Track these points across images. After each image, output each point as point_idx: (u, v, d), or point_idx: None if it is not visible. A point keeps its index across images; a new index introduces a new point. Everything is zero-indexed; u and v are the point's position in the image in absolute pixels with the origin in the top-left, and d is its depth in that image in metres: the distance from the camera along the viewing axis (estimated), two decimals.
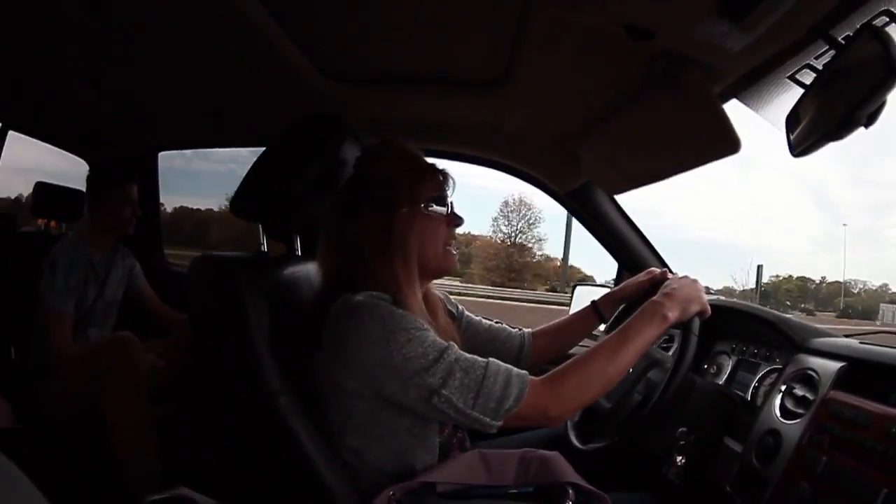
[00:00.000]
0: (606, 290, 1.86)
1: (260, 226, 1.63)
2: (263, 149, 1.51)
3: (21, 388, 2.39)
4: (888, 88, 0.95)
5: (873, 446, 1.13)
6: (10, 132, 2.99)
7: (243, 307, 1.22)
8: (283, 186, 1.41)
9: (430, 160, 1.39)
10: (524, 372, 1.18)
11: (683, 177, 1.65)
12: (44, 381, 2.40)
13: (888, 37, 0.94)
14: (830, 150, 1.09)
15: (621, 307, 1.77)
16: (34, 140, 3.04)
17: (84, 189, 2.81)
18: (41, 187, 2.95)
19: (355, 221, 1.28)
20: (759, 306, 1.95)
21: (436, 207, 1.32)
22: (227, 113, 2.37)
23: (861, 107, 1.00)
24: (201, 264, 1.33)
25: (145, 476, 2.17)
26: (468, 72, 1.80)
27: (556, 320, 1.81)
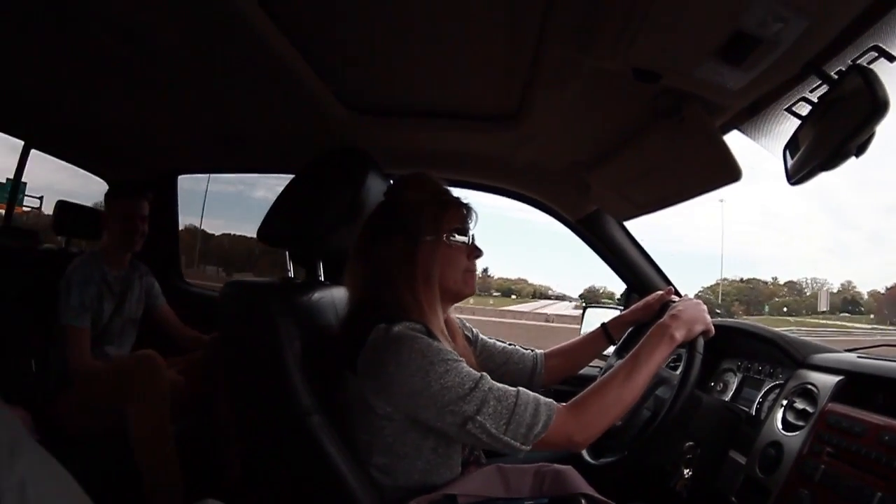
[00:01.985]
0: (614, 311, 1.93)
1: (287, 252, 1.68)
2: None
3: (41, 402, 2.40)
4: (874, 123, 1.04)
5: (868, 453, 1.19)
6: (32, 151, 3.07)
7: (275, 330, 1.29)
8: (311, 215, 1.48)
9: (454, 192, 1.46)
10: (551, 400, 1.25)
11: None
12: (63, 395, 2.42)
13: (873, 75, 1.03)
14: None
15: (630, 329, 1.82)
16: (45, 157, 3.11)
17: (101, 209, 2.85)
18: (62, 205, 2.96)
19: (382, 246, 1.35)
20: (763, 325, 2.01)
21: (457, 237, 1.40)
22: (248, 139, 2.42)
23: (851, 139, 1.09)
24: (233, 289, 1.40)
25: (168, 491, 2.19)
26: (483, 106, 1.86)
27: (568, 342, 1.86)
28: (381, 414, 1.24)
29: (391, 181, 1.52)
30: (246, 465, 1.38)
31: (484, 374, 1.23)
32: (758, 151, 1.52)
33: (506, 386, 1.23)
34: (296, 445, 1.27)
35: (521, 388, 1.24)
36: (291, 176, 1.58)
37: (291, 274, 1.70)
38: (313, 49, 1.56)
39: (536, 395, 1.25)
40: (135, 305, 2.81)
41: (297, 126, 2.12)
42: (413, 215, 1.36)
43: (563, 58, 1.40)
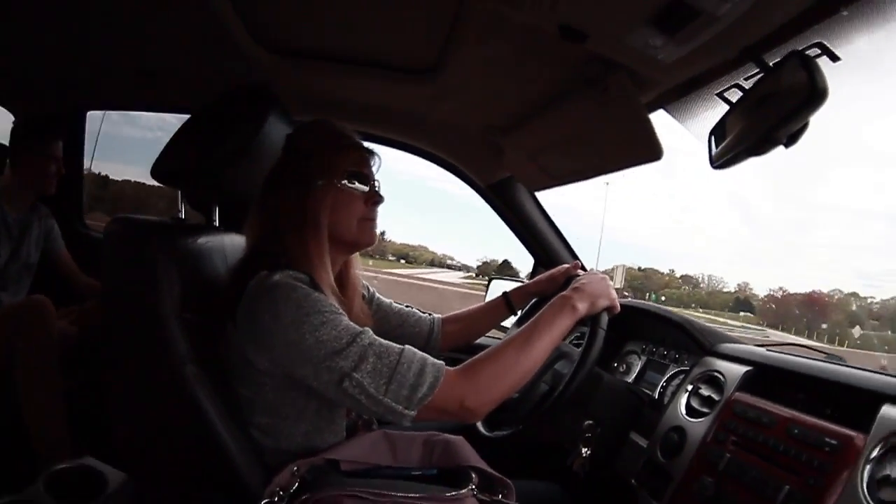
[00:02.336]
0: (518, 284, 1.89)
1: (179, 193, 1.57)
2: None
3: None
4: (809, 112, 1.01)
5: (776, 445, 1.20)
6: None
7: (154, 271, 1.21)
8: (204, 153, 1.39)
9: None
10: (441, 362, 1.17)
11: (610, 176, 1.69)
12: None
13: (815, 64, 0.99)
14: (754, 167, 1.15)
15: (533, 301, 1.78)
16: None
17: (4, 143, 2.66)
18: None
19: (276, 194, 1.28)
20: (670, 309, 2.03)
21: (355, 184, 1.31)
22: (161, 76, 2.29)
23: (782, 126, 1.06)
24: (117, 225, 1.29)
25: (53, 444, 2.11)
26: (402, 57, 1.79)
27: (467, 308, 1.81)
28: (260, 369, 1.16)
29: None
30: (126, 420, 1.27)
31: (366, 328, 1.15)
32: (676, 150, 1.49)
33: (390, 343, 1.15)
34: (170, 397, 1.19)
35: (406, 346, 1.16)
36: None
37: (182, 216, 1.58)
38: None
39: (425, 355, 1.17)
40: (33, 249, 2.66)
41: (210, 64, 2.00)
42: (305, 162, 1.28)
43: (488, 10, 1.32)
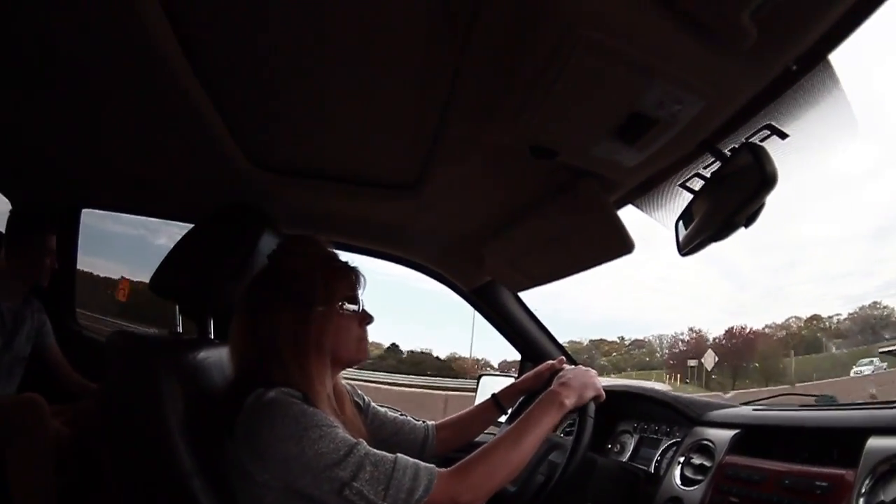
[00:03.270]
0: (509, 380, 1.95)
1: (177, 306, 1.62)
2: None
3: None
4: (762, 196, 1.13)
5: (770, 499, 1.26)
6: None
7: (159, 389, 1.26)
8: (203, 269, 1.47)
9: (343, 256, 1.47)
10: (433, 465, 1.24)
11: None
12: None
13: (763, 151, 1.12)
14: None
15: (522, 398, 1.84)
16: None
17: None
18: None
19: (270, 315, 1.32)
20: (656, 389, 2.10)
21: (349, 306, 1.40)
22: (153, 182, 2.33)
23: (740, 212, 1.18)
24: (119, 340, 1.35)
25: None
26: (385, 174, 1.89)
27: (459, 413, 1.86)
28: (259, 482, 1.19)
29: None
30: None
31: (360, 440, 1.21)
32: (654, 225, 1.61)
33: (383, 452, 1.21)
34: None
35: (399, 454, 1.22)
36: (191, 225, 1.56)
37: (180, 328, 1.63)
38: (225, 100, 1.54)
39: (416, 460, 1.23)
40: (24, 342, 2.61)
41: (201, 175, 2.07)
42: (303, 284, 1.35)
43: (464, 132, 1.45)
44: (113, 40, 1.31)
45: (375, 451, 1.20)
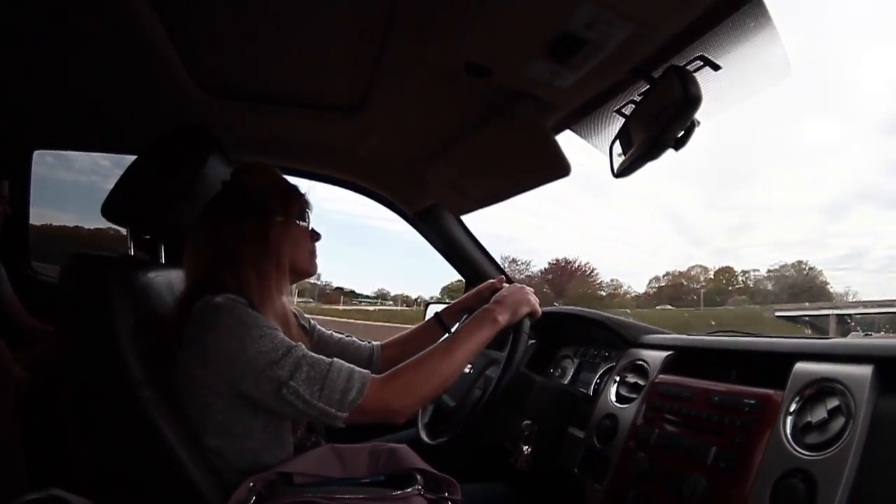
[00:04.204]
0: None
1: (128, 231, 1.61)
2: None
3: None
4: (687, 117, 1.17)
5: (699, 414, 1.31)
6: None
7: (109, 303, 1.26)
8: (150, 195, 1.46)
9: (292, 180, 1.49)
10: (367, 371, 1.28)
11: (545, 205, 1.82)
12: None
13: (688, 74, 1.15)
14: (687, 181, 1.27)
15: (464, 317, 1.84)
16: None
17: None
18: None
19: (234, 227, 1.35)
20: (594, 311, 2.15)
21: (301, 223, 1.44)
22: (105, 116, 2.30)
23: (667, 131, 1.21)
24: (73, 261, 1.34)
25: (10, 486, 2.07)
26: (329, 96, 1.89)
27: (403, 333, 1.90)
28: (208, 387, 1.23)
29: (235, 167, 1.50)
30: (87, 448, 1.30)
31: (299, 343, 1.25)
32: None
33: (321, 356, 1.25)
34: (128, 423, 1.23)
35: (335, 359, 1.26)
36: None
37: (132, 253, 1.63)
38: (175, 25, 1.53)
39: (351, 365, 1.27)
40: None
41: (152, 104, 2.06)
42: (263, 198, 1.38)
43: (404, 51, 1.46)
44: None
45: (313, 353, 1.24)
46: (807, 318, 32.04)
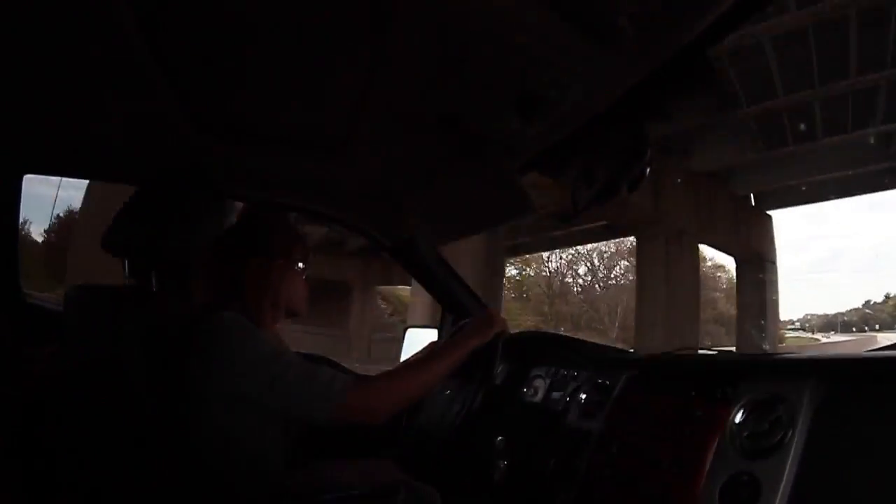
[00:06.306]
0: (433, 331, 2.12)
1: (126, 262, 1.71)
2: None
3: None
4: (641, 162, 1.34)
5: (655, 425, 1.46)
6: None
7: (116, 329, 1.38)
8: (148, 227, 1.59)
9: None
10: (349, 375, 1.44)
11: None
12: None
13: (640, 127, 1.32)
14: None
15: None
16: None
17: None
18: None
19: (236, 264, 1.48)
20: (563, 334, 2.28)
21: (300, 265, 1.57)
22: (97, 145, 2.29)
23: (622, 174, 1.38)
24: (78, 293, 1.48)
25: None
26: (318, 133, 1.98)
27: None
28: (209, 395, 1.32)
29: (236, 203, 1.69)
30: (90, 468, 1.38)
31: (288, 349, 1.42)
32: None
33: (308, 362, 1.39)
34: (133, 438, 1.34)
35: (322, 364, 1.43)
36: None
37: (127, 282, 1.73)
38: (170, 58, 1.57)
39: (334, 370, 1.40)
40: None
41: (144, 133, 2.07)
42: (268, 240, 1.52)
43: (383, 98, 1.58)
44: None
45: (300, 360, 1.38)
46: None
